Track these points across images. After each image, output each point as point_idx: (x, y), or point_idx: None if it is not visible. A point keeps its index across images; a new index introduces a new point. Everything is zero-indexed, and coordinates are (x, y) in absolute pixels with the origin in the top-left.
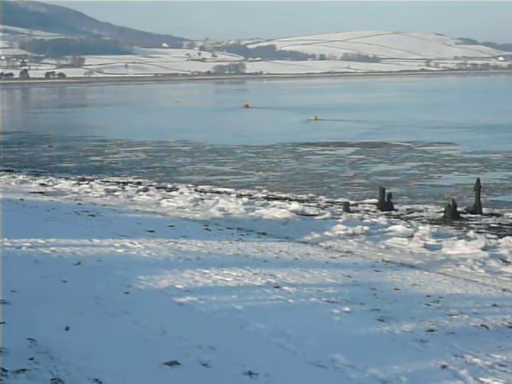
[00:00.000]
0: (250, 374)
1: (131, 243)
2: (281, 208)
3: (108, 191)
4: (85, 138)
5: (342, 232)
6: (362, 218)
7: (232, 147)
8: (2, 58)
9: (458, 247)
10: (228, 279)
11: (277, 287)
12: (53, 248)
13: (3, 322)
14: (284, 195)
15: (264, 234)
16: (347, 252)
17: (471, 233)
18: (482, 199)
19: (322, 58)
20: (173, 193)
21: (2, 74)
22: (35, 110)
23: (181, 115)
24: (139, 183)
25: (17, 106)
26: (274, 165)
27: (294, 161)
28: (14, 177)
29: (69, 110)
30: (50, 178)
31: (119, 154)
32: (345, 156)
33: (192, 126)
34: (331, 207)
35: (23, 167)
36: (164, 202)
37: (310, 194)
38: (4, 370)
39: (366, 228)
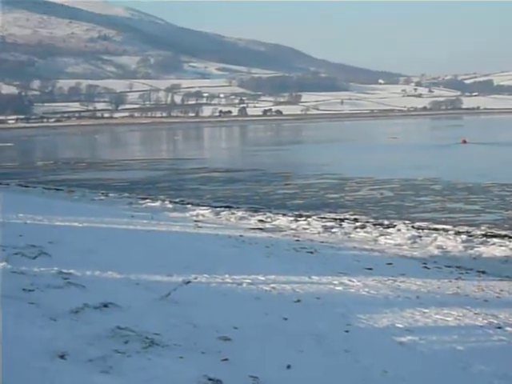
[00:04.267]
0: None
1: (350, 281)
2: (500, 246)
3: (325, 228)
4: (322, 176)
5: None
6: None
7: (486, 185)
8: (221, 95)
9: None
10: (448, 319)
11: (499, 328)
12: (273, 285)
13: (226, 359)
14: (503, 232)
15: (484, 272)
16: None
17: None
18: None
19: None
20: (390, 230)
21: (221, 111)
22: (258, 147)
23: (401, 152)
24: (356, 220)
25: (238, 142)
26: None
27: None
28: (233, 213)
29: (291, 147)
30: (268, 214)
31: (361, 191)
32: None
33: (418, 162)
34: None
35: (243, 203)
36: (381, 239)
37: None
38: None
39: None
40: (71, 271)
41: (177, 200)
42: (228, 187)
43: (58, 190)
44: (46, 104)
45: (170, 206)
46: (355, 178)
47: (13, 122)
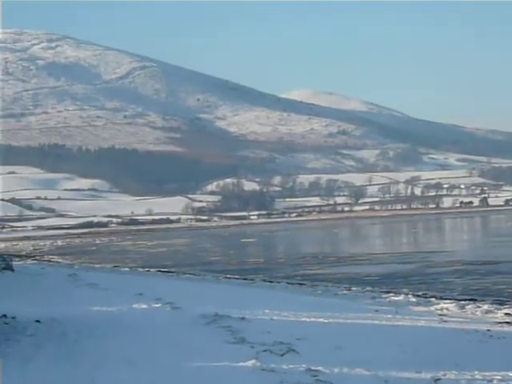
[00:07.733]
0: None
1: None
2: None
3: None
4: None
5: None
6: None
7: None
8: (462, 186)
9: None
10: None
11: None
12: None
13: None
14: None
15: None
16: None
17: None
18: None
19: None
20: None
21: (461, 202)
22: (509, 238)
23: None
24: None
25: (484, 233)
26: None
27: None
28: (478, 306)
29: None
30: None
31: None
32: None
33: None
34: None
35: (487, 296)
36: None
37: None
38: None
39: None
40: (319, 368)
41: (419, 293)
42: (483, 280)
43: (301, 284)
44: (286, 199)
45: (414, 299)
46: None
47: (255, 217)
